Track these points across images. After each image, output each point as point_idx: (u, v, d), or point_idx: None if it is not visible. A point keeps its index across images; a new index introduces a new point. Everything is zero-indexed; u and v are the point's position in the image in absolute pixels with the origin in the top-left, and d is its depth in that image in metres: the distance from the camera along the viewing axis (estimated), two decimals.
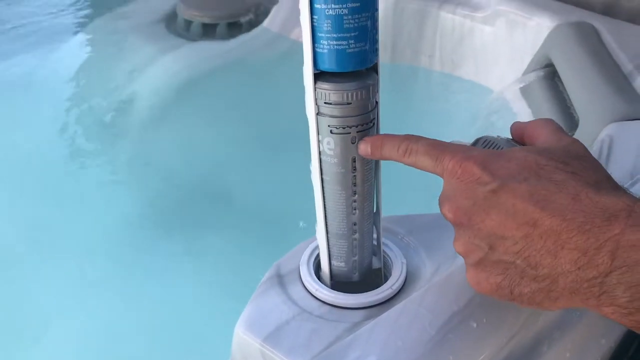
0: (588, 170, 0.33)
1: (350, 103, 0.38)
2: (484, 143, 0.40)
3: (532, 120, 0.39)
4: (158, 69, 1.44)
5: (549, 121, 0.39)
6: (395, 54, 1.33)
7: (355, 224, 0.44)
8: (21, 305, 1.00)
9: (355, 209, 0.43)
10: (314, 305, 0.44)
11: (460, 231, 0.36)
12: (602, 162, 0.65)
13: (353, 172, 0.41)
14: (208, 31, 1.60)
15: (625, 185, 0.61)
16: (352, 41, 0.36)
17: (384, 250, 0.49)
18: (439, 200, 0.37)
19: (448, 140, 0.39)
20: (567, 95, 0.94)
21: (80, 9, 1.95)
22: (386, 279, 0.47)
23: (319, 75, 0.38)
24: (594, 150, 0.67)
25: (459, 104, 1.25)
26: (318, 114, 0.39)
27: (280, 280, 0.46)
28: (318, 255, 0.48)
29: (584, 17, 1.06)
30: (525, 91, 1.04)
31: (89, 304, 1.00)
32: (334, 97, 0.38)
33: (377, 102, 0.40)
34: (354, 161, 0.40)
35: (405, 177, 1.06)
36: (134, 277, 1.05)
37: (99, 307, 0.99)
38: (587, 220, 0.30)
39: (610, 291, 0.30)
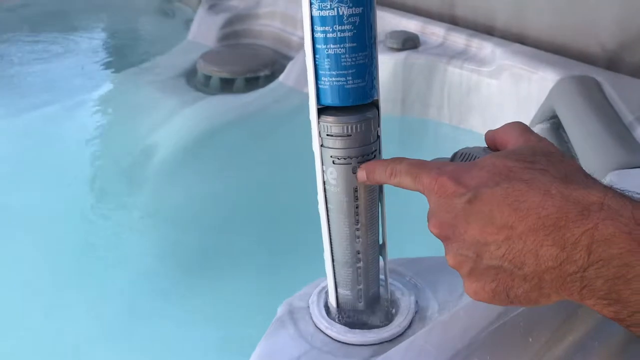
0: (556, 165, 0.34)
1: (350, 135, 0.41)
2: (461, 156, 0.41)
3: (502, 126, 0.40)
4: (178, 121, 1.50)
5: (517, 124, 0.39)
6: (405, 107, 1.37)
7: (359, 253, 0.46)
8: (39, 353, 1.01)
9: (358, 238, 0.45)
10: (323, 341, 0.46)
11: (448, 245, 0.36)
12: None
13: (355, 201, 0.43)
14: (226, 85, 1.67)
15: None
16: (350, 78, 0.40)
17: (391, 283, 0.50)
18: (427, 217, 0.38)
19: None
20: (572, 145, 0.96)
21: (105, 66, 2.05)
22: (393, 312, 0.49)
23: (323, 110, 0.41)
24: None
25: None
26: (322, 145, 0.42)
27: (291, 317, 0.48)
28: (327, 292, 0.50)
29: (587, 72, 1.09)
30: None
31: (105, 349, 1.02)
32: (335, 130, 0.41)
33: (378, 136, 0.43)
34: (356, 190, 0.43)
35: (412, 220, 1.08)
36: (149, 322, 1.06)
37: (114, 353, 1.01)
38: (561, 215, 0.31)
39: (590, 285, 0.31)
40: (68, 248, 1.22)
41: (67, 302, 1.09)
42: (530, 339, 0.47)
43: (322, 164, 0.43)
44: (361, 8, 0.38)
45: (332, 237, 0.46)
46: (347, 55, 0.39)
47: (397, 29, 1.43)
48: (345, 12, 0.38)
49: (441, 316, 0.49)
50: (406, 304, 0.50)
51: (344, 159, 0.42)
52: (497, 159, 0.35)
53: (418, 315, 0.49)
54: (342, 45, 0.39)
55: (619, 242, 0.29)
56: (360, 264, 0.46)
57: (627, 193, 0.32)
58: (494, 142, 0.40)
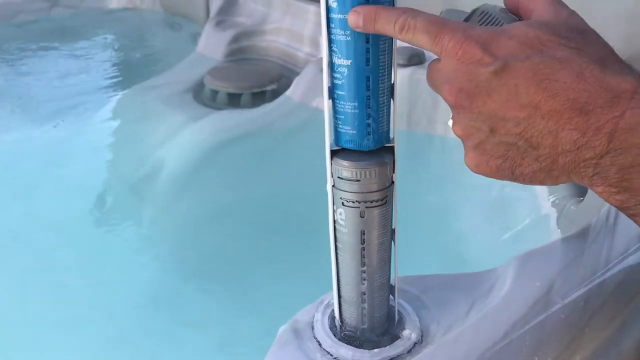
0: (592, 46, 0.32)
1: (360, 180, 0.41)
2: (481, 15, 0.37)
3: None
4: (185, 136, 1.51)
5: None
6: (411, 122, 1.38)
7: (364, 294, 0.46)
8: None
9: (364, 280, 0.45)
10: None
11: (460, 114, 0.34)
12: (609, 226, 0.67)
13: (362, 244, 0.44)
14: (233, 100, 1.68)
15: (632, 249, 0.63)
16: (340, 123, 0.41)
17: (398, 310, 0.50)
18: (434, 79, 0.36)
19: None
20: None
21: (113, 80, 2.07)
22: (398, 331, 0.49)
23: (337, 152, 0.42)
24: (602, 214, 0.69)
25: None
26: (333, 186, 0.42)
27: (296, 334, 0.48)
28: (333, 310, 0.50)
29: None
30: None
31: None
32: (345, 173, 0.41)
33: (393, 182, 0.43)
34: (363, 234, 0.43)
35: (419, 239, 1.08)
36: (153, 338, 1.06)
37: None
38: (590, 100, 0.30)
39: (602, 172, 0.31)
40: (76, 261, 1.23)
41: (75, 316, 1.10)
42: (536, 358, 0.47)
43: (333, 204, 0.43)
44: (350, 61, 0.38)
45: (339, 275, 0.46)
46: (338, 101, 0.40)
47: (403, 45, 1.43)
48: (335, 61, 0.39)
49: (446, 335, 0.49)
50: (411, 322, 0.50)
51: (352, 202, 0.42)
52: (530, 28, 0.32)
53: (423, 334, 0.49)
54: (336, 91, 0.40)
55: None
56: (365, 305, 0.47)
57: None
58: (516, 6, 0.37)
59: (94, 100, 1.89)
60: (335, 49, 0.39)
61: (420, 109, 1.36)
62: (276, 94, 1.66)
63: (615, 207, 0.32)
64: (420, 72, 1.34)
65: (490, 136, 0.33)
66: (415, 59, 1.37)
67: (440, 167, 1.36)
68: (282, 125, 1.52)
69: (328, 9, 0.38)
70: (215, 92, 1.70)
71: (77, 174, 1.50)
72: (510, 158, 0.33)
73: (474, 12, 0.38)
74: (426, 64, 1.38)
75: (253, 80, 1.72)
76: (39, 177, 1.48)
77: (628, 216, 0.32)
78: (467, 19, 0.38)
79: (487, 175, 0.35)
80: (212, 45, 1.97)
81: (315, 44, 1.78)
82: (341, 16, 0.37)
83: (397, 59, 0.40)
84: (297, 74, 1.65)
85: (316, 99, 1.52)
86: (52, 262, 1.23)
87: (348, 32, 0.37)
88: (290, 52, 1.87)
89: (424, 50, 1.41)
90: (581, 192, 0.89)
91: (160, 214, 1.36)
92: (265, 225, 1.31)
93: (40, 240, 1.28)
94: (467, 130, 0.34)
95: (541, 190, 1.01)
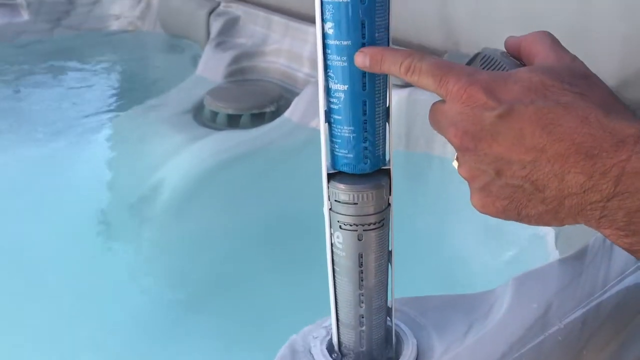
0: (596, 91, 0.33)
1: (357, 203, 0.42)
2: (483, 60, 0.38)
3: (528, 35, 0.38)
4: (184, 157, 1.51)
5: (546, 34, 0.37)
6: (410, 142, 1.38)
7: (362, 317, 0.46)
8: None
9: (362, 302, 0.45)
10: None
11: (465, 156, 0.35)
12: (606, 248, 0.67)
13: (360, 267, 0.44)
14: (233, 121, 1.69)
15: (632, 268, 0.63)
16: (337, 147, 0.41)
17: (396, 331, 0.50)
18: (439, 123, 0.36)
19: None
20: None
21: (114, 101, 2.08)
22: (395, 353, 0.49)
23: (334, 175, 0.42)
24: (599, 236, 0.69)
25: None
26: (330, 209, 0.43)
27: (295, 357, 0.48)
28: (331, 332, 0.50)
29: None
30: None
31: None
32: (342, 197, 0.42)
33: (389, 204, 0.43)
34: (361, 257, 0.43)
35: (417, 260, 1.08)
36: (152, 357, 1.06)
37: None
38: (595, 144, 0.30)
39: (610, 215, 0.31)
40: (76, 283, 1.22)
41: (74, 337, 1.09)
42: None
43: (330, 227, 0.44)
44: (346, 86, 0.39)
45: (337, 298, 0.46)
46: (335, 125, 0.41)
47: None
48: (332, 86, 0.40)
49: (444, 357, 0.49)
50: (409, 344, 0.50)
51: (350, 225, 0.42)
52: (534, 73, 0.33)
53: (421, 356, 0.49)
54: (333, 115, 0.41)
55: None
56: (364, 328, 0.47)
57: None
58: (517, 50, 0.38)
59: (94, 120, 1.90)
60: (332, 75, 0.39)
61: (419, 129, 1.37)
62: (275, 114, 1.67)
63: (624, 249, 0.32)
64: (418, 93, 1.35)
65: (496, 179, 0.34)
66: None
67: (438, 188, 1.36)
68: (281, 146, 1.53)
69: (324, 36, 0.38)
70: (215, 113, 1.71)
71: (76, 194, 1.51)
72: (516, 200, 0.34)
73: (476, 56, 0.39)
74: None
75: (252, 101, 1.73)
76: (38, 197, 1.48)
77: (637, 259, 0.32)
78: (469, 63, 0.39)
79: (493, 216, 0.36)
80: (212, 66, 1.99)
81: (315, 65, 1.78)
82: (337, 42, 0.38)
83: (391, 82, 0.41)
84: (297, 94, 1.66)
85: (315, 120, 1.53)
86: (49, 282, 1.22)
87: (345, 58, 0.38)
88: (289, 73, 1.88)
89: None
90: None
91: (159, 235, 1.36)
92: (264, 245, 1.31)
93: (38, 260, 1.27)
94: (472, 172, 0.35)
95: None
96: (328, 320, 0.49)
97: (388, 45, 0.39)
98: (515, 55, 0.38)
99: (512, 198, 0.34)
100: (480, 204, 0.36)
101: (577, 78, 0.33)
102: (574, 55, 0.36)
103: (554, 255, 0.94)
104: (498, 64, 0.37)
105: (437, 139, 1.36)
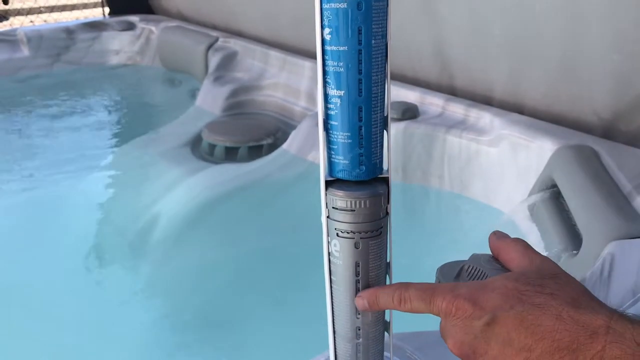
0: (564, 288, 0.37)
1: (354, 210, 0.41)
2: (468, 271, 0.43)
3: (504, 241, 0.43)
4: (182, 190, 1.51)
5: (518, 242, 0.42)
6: (407, 175, 1.39)
7: (359, 329, 0.45)
8: None
9: (359, 314, 0.45)
10: None
11: None
12: (604, 279, 0.67)
13: (357, 276, 0.43)
14: (231, 154, 1.70)
15: (627, 304, 0.63)
16: (334, 153, 0.42)
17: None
18: (442, 336, 0.41)
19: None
20: (572, 214, 0.97)
21: (113, 135, 2.09)
22: None
23: (332, 182, 0.42)
24: (596, 268, 0.69)
25: (470, 225, 1.28)
26: (328, 217, 0.43)
27: None
28: None
29: (584, 140, 1.11)
30: (532, 212, 1.08)
31: None
32: (339, 203, 0.42)
33: (387, 212, 0.43)
34: (358, 265, 0.43)
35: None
36: None
37: None
38: (572, 339, 0.34)
39: None
40: (70, 315, 1.21)
41: None
42: None
43: (328, 235, 0.43)
44: (343, 91, 0.40)
45: (334, 309, 0.46)
46: (332, 132, 0.41)
47: (397, 99, 1.47)
48: (329, 92, 0.40)
49: None
50: None
51: (347, 232, 0.42)
52: (508, 281, 0.38)
53: None
54: (330, 122, 0.41)
55: None
56: (360, 340, 0.46)
57: (629, 314, 0.35)
58: (497, 255, 0.43)
59: (92, 153, 1.90)
60: (329, 80, 0.40)
61: (415, 162, 1.37)
62: (273, 147, 1.68)
63: None
64: (414, 126, 1.36)
65: None
66: (408, 113, 1.40)
67: (435, 219, 1.36)
68: (278, 178, 1.53)
69: (323, 41, 0.39)
70: (212, 146, 1.72)
71: (73, 227, 1.50)
72: None
73: (462, 268, 0.43)
74: (420, 118, 1.41)
75: (250, 134, 1.74)
76: (35, 230, 1.48)
77: None
78: (457, 274, 0.43)
79: None
80: (210, 100, 2.01)
81: (311, 99, 1.81)
82: (335, 48, 0.39)
83: (389, 93, 0.42)
84: (294, 127, 1.67)
85: (312, 153, 1.54)
86: (45, 316, 1.21)
87: (341, 64, 0.39)
88: (286, 107, 1.90)
89: (417, 105, 1.44)
90: (576, 246, 0.90)
91: (156, 268, 1.35)
92: (261, 278, 1.31)
93: (34, 293, 1.26)
94: None
95: (536, 243, 1.01)
96: (326, 354, 0.48)
97: (386, 52, 0.40)
98: (497, 258, 0.43)
99: None
100: None
101: (546, 279, 0.38)
102: (545, 257, 0.41)
103: None
104: (481, 273, 0.42)
105: (434, 172, 1.37)
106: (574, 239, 0.91)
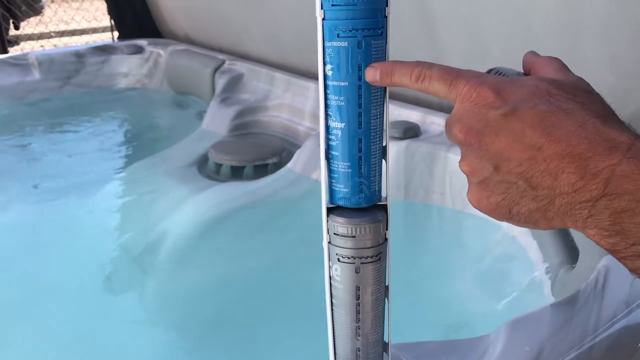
0: (596, 104, 0.35)
1: (355, 236, 0.43)
2: (496, 73, 0.41)
3: (541, 57, 0.41)
4: (188, 209, 1.54)
5: (556, 60, 0.40)
6: (409, 193, 1.41)
7: (359, 350, 0.47)
8: None
9: (359, 336, 0.46)
10: None
11: (467, 151, 0.37)
12: (598, 291, 0.69)
13: (357, 300, 0.45)
14: (236, 173, 1.73)
15: (620, 315, 0.65)
16: (334, 182, 0.44)
17: None
18: (447, 122, 0.38)
19: None
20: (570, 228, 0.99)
21: (120, 155, 2.13)
22: None
23: (333, 209, 0.45)
24: (590, 280, 0.71)
25: (471, 241, 1.29)
26: (329, 242, 0.45)
27: None
28: None
29: None
30: None
31: None
32: (340, 229, 0.44)
33: (386, 239, 0.45)
34: (358, 289, 0.45)
35: (414, 305, 1.08)
36: None
37: None
38: (589, 147, 0.32)
39: (596, 214, 0.33)
40: (77, 333, 1.22)
41: None
42: None
43: (329, 260, 0.45)
44: (343, 124, 0.42)
45: (335, 331, 0.47)
46: (333, 161, 0.43)
47: (399, 119, 1.50)
48: (331, 124, 0.43)
49: None
50: None
51: (348, 258, 0.44)
52: (541, 82, 0.36)
53: None
54: (331, 152, 0.43)
55: (637, 179, 0.31)
56: None
57: None
58: (529, 70, 0.41)
59: (101, 173, 1.93)
60: (331, 113, 0.42)
61: (417, 180, 1.40)
62: (278, 166, 1.71)
63: (606, 250, 0.34)
64: (416, 145, 1.39)
65: (493, 174, 0.36)
66: (410, 132, 1.42)
67: (436, 237, 1.38)
68: (283, 197, 1.55)
69: (325, 77, 0.42)
70: (219, 165, 1.75)
71: (81, 246, 1.52)
72: (509, 196, 0.36)
73: (489, 71, 0.41)
74: (421, 137, 1.43)
75: (255, 154, 1.77)
76: (44, 249, 1.50)
77: (618, 259, 0.34)
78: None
79: (486, 212, 0.38)
80: (216, 121, 2.05)
81: (316, 119, 1.84)
82: (336, 83, 0.41)
83: (388, 125, 0.44)
84: (298, 147, 1.70)
85: (316, 171, 1.57)
86: (53, 335, 1.22)
87: (342, 98, 0.42)
88: (291, 127, 1.93)
89: (418, 125, 1.47)
90: (573, 259, 0.91)
91: (163, 286, 1.37)
92: (267, 295, 1.32)
93: (43, 311, 1.28)
94: (472, 166, 0.37)
95: (535, 257, 1.03)
96: None
97: (385, 90, 0.43)
98: (527, 73, 0.41)
99: (506, 194, 0.36)
100: (475, 198, 0.38)
101: (580, 91, 0.36)
102: (581, 77, 0.38)
103: (551, 301, 0.95)
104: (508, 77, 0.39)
105: (435, 189, 1.39)
106: (572, 252, 0.93)
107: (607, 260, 0.77)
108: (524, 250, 1.08)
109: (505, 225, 1.21)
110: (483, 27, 1.38)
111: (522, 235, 1.10)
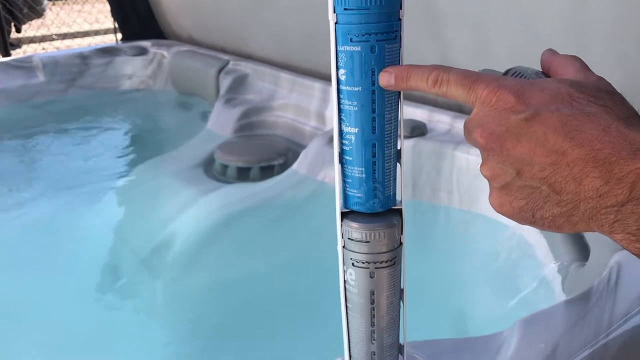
0: (619, 106, 0.34)
1: (369, 241, 0.43)
2: (514, 74, 0.40)
3: (560, 56, 0.40)
4: (196, 209, 1.54)
5: (575, 58, 0.39)
6: (416, 192, 1.41)
7: (374, 354, 0.47)
8: None
9: (374, 340, 0.46)
10: None
11: (489, 156, 0.36)
12: (611, 288, 0.69)
13: (372, 304, 0.45)
14: (243, 174, 1.73)
15: (634, 312, 0.65)
16: (348, 186, 0.43)
17: None
18: (466, 126, 0.38)
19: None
20: None
21: (126, 157, 2.13)
22: None
23: (348, 214, 0.44)
24: (603, 277, 0.71)
25: (479, 240, 1.29)
26: (343, 247, 0.44)
27: None
28: None
29: None
30: None
31: None
32: (355, 235, 0.43)
33: (401, 243, 0.45)
34: (373, 294, 0.44)
35: (427, 304, 1.08)
36: None
37: None
38: (614, 152, 0.31)
39: (623, 219, 0.32)
40: (87, 335, 1.23)
41: None
42: None
43: (344, 264, 0.45)
44: (357, 129, 0.41)
45: (350, 335, 0.47)
46: (346, 166, 0.43)
47: (406, 117, 1.50)
48: (344, 129, 0.42)
49: None
50: None
51: (362, 262, 0.44)
52: (562, 85, 0.35)
53: None
54: (345, 156, 0.43)
55: None
56: None
57: None
58: (548, 69, 0.40)
59: (107, 175, 1.94)
60: (344, 118, 0.42)
61: (424, 178, 1.40)
62: (284, 167, 1.71)
63: (634, 254, 0.33)
64: (423, 144, 1.39)
65: (516, 179, 0.35)
66: (417, 130, 1.42)
67: (444, 235, 1.38)
68: (289, 198, 1.55)
69: (338, 81, 0.41)
70: (225, 167, 1.75)
71: (89, 248, 1.53)
72: (532, 201, 0.35)
73: (507, 71, 0.40)
74: (428, 135, 1.44)
75: (262, 155, 1.77)
76: (51, 251, 1.51)
77: None
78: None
79: (508, 216, 0.37)
80: (222, 121, 2.05)
81: (321, 119, 1.85)
82: (349, 88, 0.41)
83: (402, 129, 0.43)
84: (304, 147, 1.70)
85: (322, 172, 1.57)
86: (62, 337, 1.23)
87: (355, 103, 0.41)
88: (297, 127, 1.93)
89: (425, 123, 1.47)
90: (584, 257, 0.91)
91: (171, 287, 1.37)
92: (274, 295, 1.32)
93: (51, 314, 1.29)
94: (494, 171, 0.36)
95: (545, 255, 1.03)
96: None
97: (399, 94, 0.42)
98: (546, 73, 0.40)
99: (529, 199, 0.35)
100: (498, 203, 0.37)
101: (602, 93, 0.35)
102: (602, 77, 0.37)
103: (562, 298, 0.95)
104: (528, 78, 0.39)
105: (442, 187, 1.39)
106: (583, 249, 0.93)
107: (620, 256, 0.77)
108: (533, 248, 1.08)
109: (513, 223, 1.21)
110: (490, 26, 1.38)
111: (531, 234, 1.10)
